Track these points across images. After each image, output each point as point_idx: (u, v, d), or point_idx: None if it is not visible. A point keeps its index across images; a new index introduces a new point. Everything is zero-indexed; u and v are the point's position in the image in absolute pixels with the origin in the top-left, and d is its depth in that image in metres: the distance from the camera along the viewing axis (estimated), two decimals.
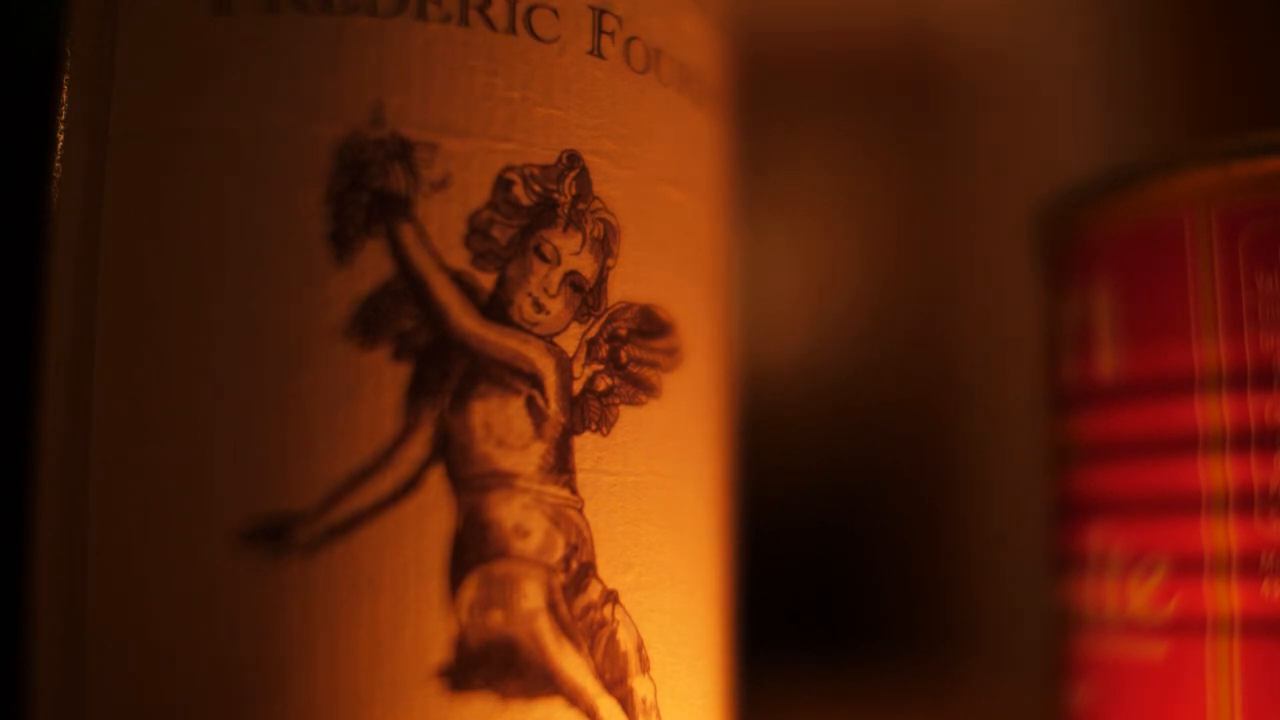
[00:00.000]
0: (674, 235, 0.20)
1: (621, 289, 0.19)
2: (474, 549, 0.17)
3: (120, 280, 0.17)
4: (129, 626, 0.17)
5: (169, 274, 0.17)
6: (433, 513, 0.17)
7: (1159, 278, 0.22)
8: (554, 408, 0.18)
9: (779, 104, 0.60)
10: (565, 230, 0.18)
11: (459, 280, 0.17)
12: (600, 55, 0.19)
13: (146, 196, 0.17)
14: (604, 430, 0.18)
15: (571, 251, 0.18)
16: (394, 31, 0.17)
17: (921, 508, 0.61)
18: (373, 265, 0.17)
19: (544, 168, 0.18)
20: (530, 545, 0.17)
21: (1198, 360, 0.21)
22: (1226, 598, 0.21)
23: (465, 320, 0.17)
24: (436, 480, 0.17)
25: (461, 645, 0.17)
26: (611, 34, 0.19)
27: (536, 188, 0.18)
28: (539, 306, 0.18)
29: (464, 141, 0.17)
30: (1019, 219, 0.28)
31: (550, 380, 0.18)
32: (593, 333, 0.18)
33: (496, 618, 0.17)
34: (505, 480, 0.17)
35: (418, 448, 0.17)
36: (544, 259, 0.18)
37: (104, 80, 0.17)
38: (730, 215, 0.22)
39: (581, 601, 0.18)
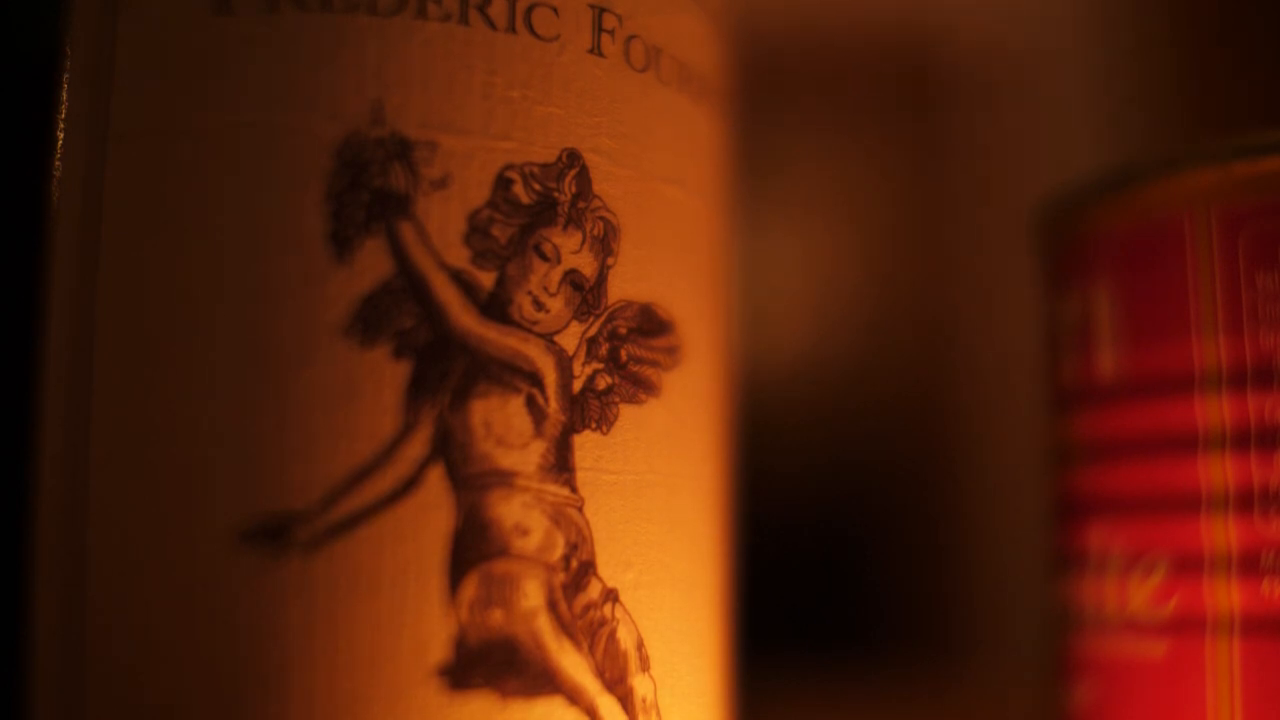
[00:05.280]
0: (674, 234, 0.20)
1: (621, 287, 0.19)
2: (474, 548, 0.17)
3: (120, 280, 0.17)
4: (129, 626, 0.17)
5: (169, 273, 0.17)
6: (433, 511, 0.17)
7: (1159, 277, 0.22)
8: (554, 406, 0.18)
9: (779, 102, 0.60)
10: (565, 229, 0.18)
11: (459, 279, 0.17)
12: (600, 54, 0.19)
13: (146, 196, 0.17)
14: (604, 429, 0.18)
15: (571, 250, 0.18)
16: (394, 30, 0.17)
17: (921, 507, 0.61)
18: (372, 264, 0.17)
19: (544, 166, 0.18)
20: (530, 544, 0.17)
21: (1198, 359, 0.21)
22: (1226, 597, 0.21)
23: (465, 319, 0.17)
24: (436, 479, 0.17)
25: (461, 644, 0.17)
26: (611, 32, 0.19)
27: (536, 186, 0.18)
28: (539, 305, 0.18)
29: (464, 140, 0.17)
30: (1019, 219, 0.28)
31: (550, 379, 0.18)
32: (593, 331, 0.18)
33: (496, 616, 0.17)
34: (505, 479, 0.17)
35: (417, 446, 0.17)
36: (544, 257, 0.18)
37: (104, 80, 0.17)
38: (730, 213, 0.22)
39: (581, 600, 0.18)
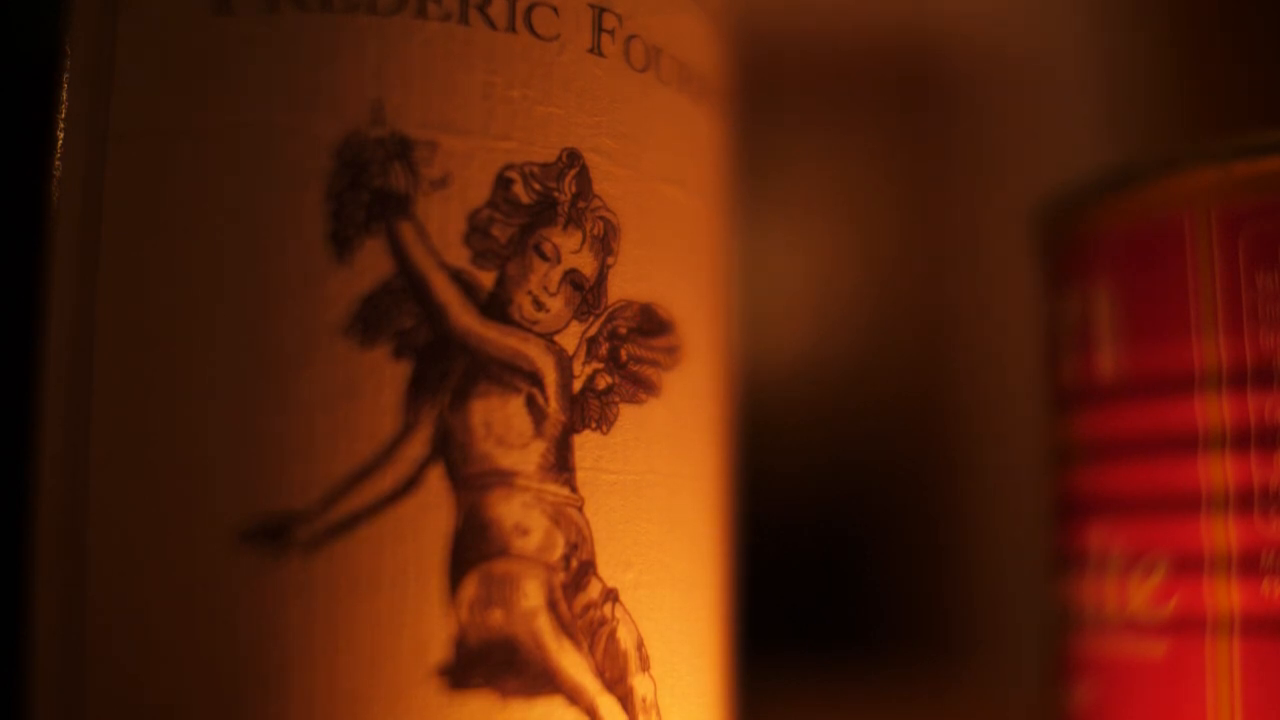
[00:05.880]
0: (674, 233, 0.20)
1: (621, 287, 0.19)
2: (474, 547, 0.17)
3: (120, 280, 0.17)
4: (129, 626, 0.17)
5: (169, 273, 0.17)
6: (433, 511, 0.17)
7: (1159, 277, 0.22)
8: (554, 406, 0.18)
9: (780, 102, 0.60)
10: (565, 228, 0.18)
11: (459, 279, 0.17)
12: (600, 54, 0.19)
13: (146, 195, 0.17)
14: (604, 429, 0.18)
15: (571, 250, 0.18)
16: (394, 30, 0.17)
17: (921, 507, 0.61)
18: (372, 264, 0.17)
19: (544, 166, 0.18)
20: (530, 544, 0.17)
21: (1198, 359, 0.21)
22: (1226, 597, 0.21)
23: (465, 319, 0.17)
24: (436, 479, 0.17)
25: (461, 644, 0.17)
26: (611, 32, 0.19)
27: (536, 186, 0.18)
28: (539, 305, 0.18)
29: (464, 140, 0.17)
30: (1019, 218, 0.28)
31: (550, 379, 0.18)
32: (593, 331, 0.18)
33: (496, 616, 0.17)
34: (505, 479, 0.17)
35: (417, 446, 0.17)
36: (544, 257, 0.18)
37: (104, 79, 0.17)
38: (731, 213, 0.22)
39: (581, 600, 0.18)
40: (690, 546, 0.20)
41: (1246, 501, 0.21)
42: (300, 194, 0.17)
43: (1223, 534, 0.21)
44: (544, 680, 0.17)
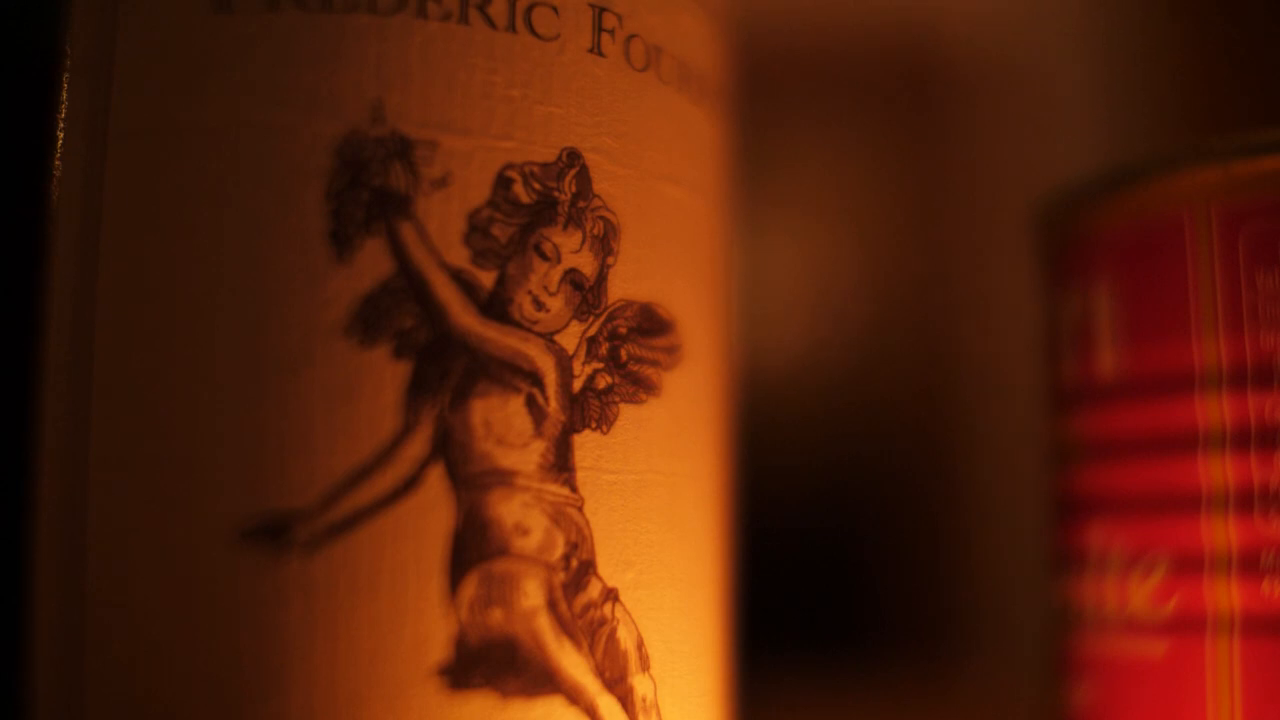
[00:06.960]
0: (674, 233, 0.20)
1: (622, 287, 0.19)
2: (474, 547, 0.17)
3: (120, 279, 0.17)
4: (128, 626, 0.17)
5: (169, 272, 0.17)
6: (433, 511, 0.17)
7: (1159, 277, 0.22)
8: (554, 406, 0.18)
9: (780, 102, 0.60)
10: (565, 228, 0.18)
11: (459, 278, 0.17)
12: (600, 53, 0.19)
13: (146, 194, 0.17)
14: (604, 428, 0.18)
15: (571, 249, 0.18)
16: (394, 29, 0.17)
17: (921, 507, 0.61)
18: (373, 264, 0.17)
19: (544, 166, 0.18)
20: (530, 543, 0.17)
21: (1198, 359, 0.21)
22: (1226, 596, 0.21)
23: (465, 318, 0.17)
24: (436, 478, 0.17)
25: (461, 643, 0.17)
26: (611, 32, 0.19)
27: (536, 185, 0.18)
28: (539, 304, 0.18)
29: (464, 139, 0.17)
30: (1019, 218, 0.28)
31: (550, 378, 0.18)
32: (593, 331, 0.18)
33: (496, 616, 0.17)
34: (505, 478, 0.17)
35: (418, 446, 0.17)
36: (544, 257, 0.18)
37: (104, 78, 0.17)
38: (730, 213, 0.22)
39: (581, 600, 0.18)
40: (690, 546, 0.20)
41: (1246, 501, 0.21)
42: (300, 193, 0.17)
43: (1223, 534, 0.21)
44: (544, 680, 0.17)
